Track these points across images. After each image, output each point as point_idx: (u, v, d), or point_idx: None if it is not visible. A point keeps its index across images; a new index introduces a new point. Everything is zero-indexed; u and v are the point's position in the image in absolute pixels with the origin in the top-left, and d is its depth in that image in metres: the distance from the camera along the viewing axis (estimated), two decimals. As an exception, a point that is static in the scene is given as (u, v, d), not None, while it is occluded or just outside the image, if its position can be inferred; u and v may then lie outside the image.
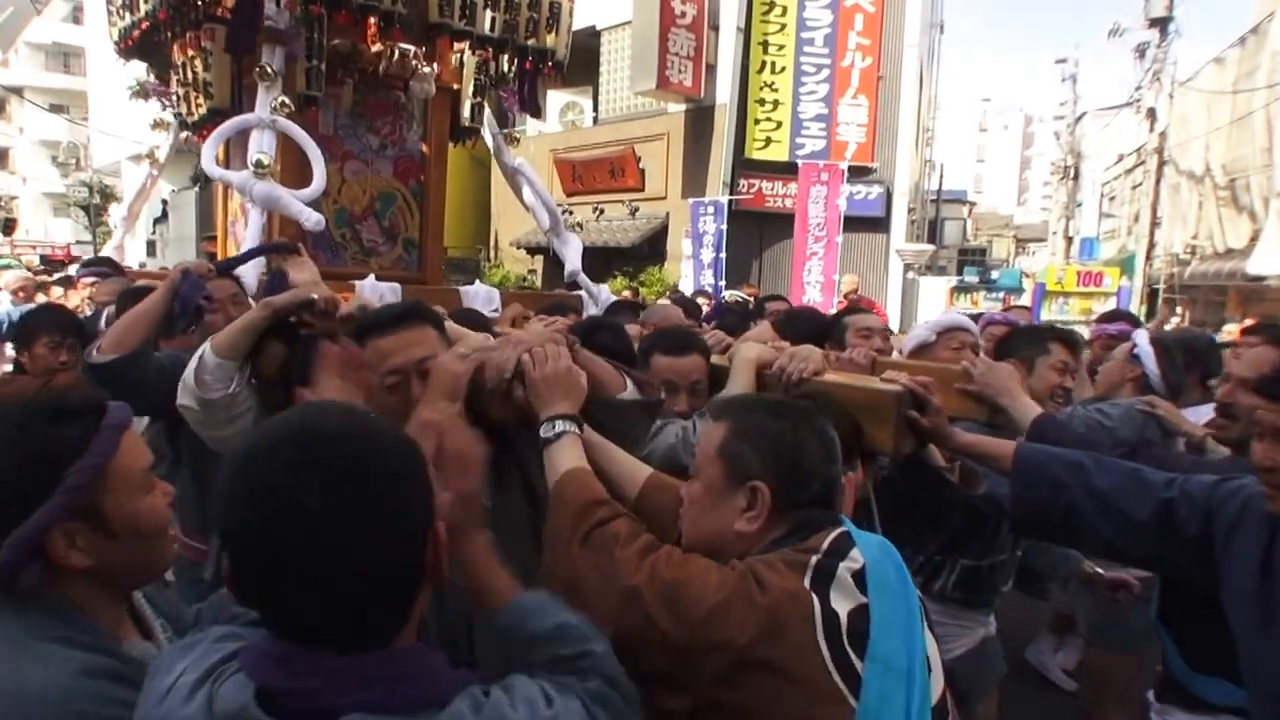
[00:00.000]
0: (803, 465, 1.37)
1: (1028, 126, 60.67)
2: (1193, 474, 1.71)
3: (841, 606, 1.23)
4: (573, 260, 5.13)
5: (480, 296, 4.48)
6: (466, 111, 4.70)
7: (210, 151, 3.83)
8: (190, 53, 4.33)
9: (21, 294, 6.16)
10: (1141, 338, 3.22)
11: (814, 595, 1.22)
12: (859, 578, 1.27)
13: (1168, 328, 11.53)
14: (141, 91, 5.28)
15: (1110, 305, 12.12)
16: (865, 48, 14.02)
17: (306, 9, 3.76)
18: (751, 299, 9.35)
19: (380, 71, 4.33)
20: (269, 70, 3.80)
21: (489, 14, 4.27)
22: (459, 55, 4.57)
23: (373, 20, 3.99)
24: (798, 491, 1.36)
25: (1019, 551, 2.59)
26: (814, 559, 1.27)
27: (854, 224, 13.68)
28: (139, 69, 5.22)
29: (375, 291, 4.01)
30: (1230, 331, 10.16)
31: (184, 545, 2.43)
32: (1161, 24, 18.08)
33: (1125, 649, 3.18)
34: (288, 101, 3.84)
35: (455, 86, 4.67)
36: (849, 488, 1.63)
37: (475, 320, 2.58)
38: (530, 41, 4.55)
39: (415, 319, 1.78)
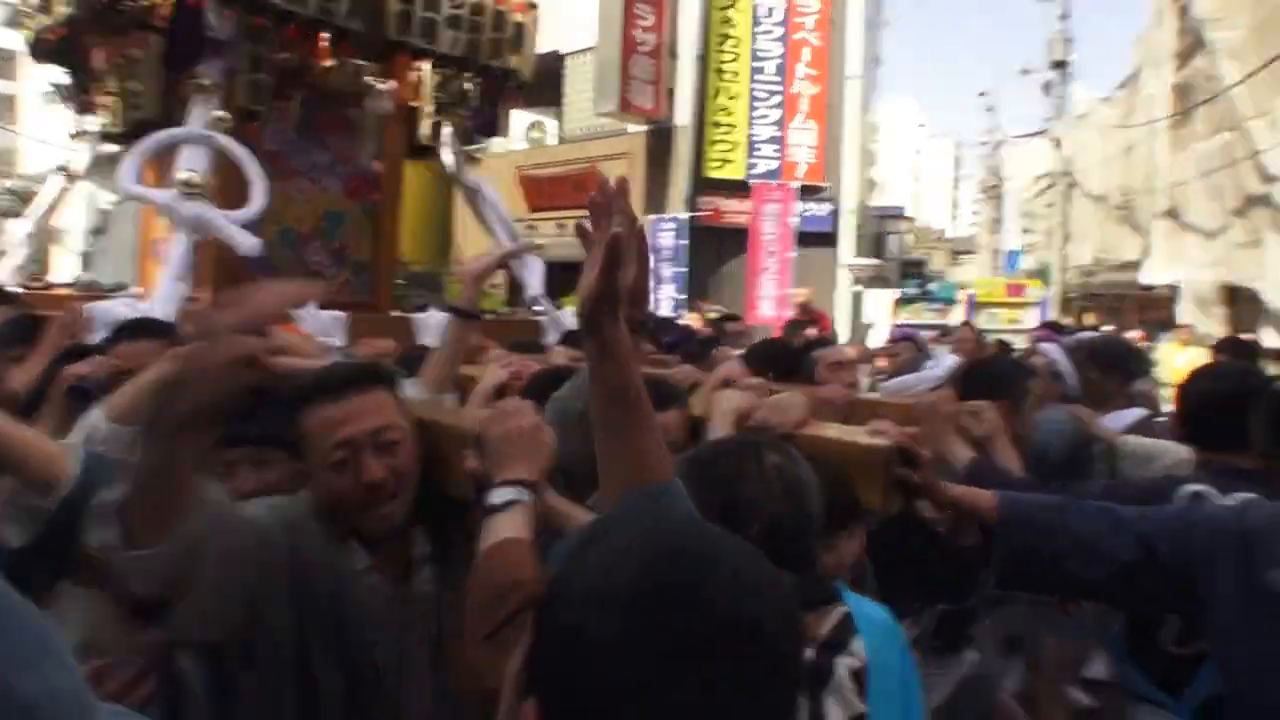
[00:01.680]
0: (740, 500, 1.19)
1: (957, 150, 64.13)
2: (1122, 498, 1.70)
3: (837, 715, 1.08)
4: (534, 285, 4.87)
5: (433, 325, 4.13)
6: (425, 130, 4.39)
7: (131, 167, 3.43)
8: (115, 60, 3.93)
9: None
10: (1057, 354, 3.19)
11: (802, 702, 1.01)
12: (859, 678, 1.12)
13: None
14: (59, 95, 4.78)
15: (1034, 314, 13.02)
16: (813, 77, 14.54)
17: (249, 20, 3.42)
18: (705, 317, 9.18)
19: (332, 87, 4.00)
20: (205, 82, 3.46)
21: (451, 33, 3.98)
22: (418, 73, 4.27)
23: (324, 35, 3.66)
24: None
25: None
26: (807, 653, 1.07)
27: (805, 239, 14.08)
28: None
29: (318, 322, 3.65)
30: (1132, 338, 10.84)
31: None
32: (1061, 66, 19.53)
33: (1075, 637, 3.12)
34: (226, 116, 3.49)
35: (413, 104, 4.37)
36: (848, 549, 1.58)
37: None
38: (493, 62, 4.28)
39: (368, 381, 1.45)
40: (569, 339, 3.34)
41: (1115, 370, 3.31)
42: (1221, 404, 2.05)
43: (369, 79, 4.03)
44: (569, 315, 4.85)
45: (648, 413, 1.07)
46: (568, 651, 0.63)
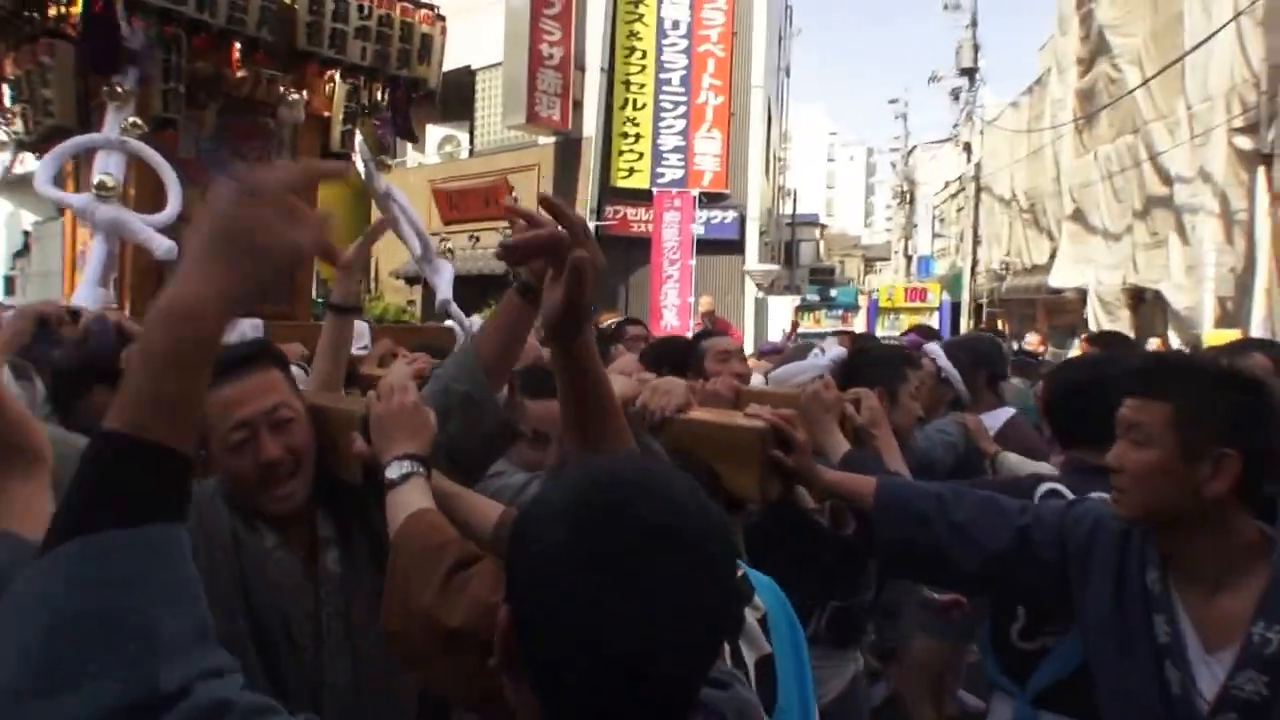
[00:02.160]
0: None
1: (870, 157, 65.12)
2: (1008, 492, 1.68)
3: (750, 656, 1.15)
4: (444, 290, 4.93)
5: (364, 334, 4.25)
6: (336, 138, 4.50)
7: (47, 171, 3.47)
8: (27, 67, 3.91)
9: None
10: (943, 360, 3.19)
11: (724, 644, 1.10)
12: (763, 624, 1.20)
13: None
14: None
15: (934, 319, 13.19)
16: (717, 87, 14.87)
17: (160, 30, 3.50)
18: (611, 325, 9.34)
19: (246, 96, 4.09)
20: (119, 89, 3.50)
21: (360, 43, 4.12)
22: (330, 83, 4.39)
23: (236, 45, 3.76)
24: None
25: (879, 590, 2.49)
26: None
27: (710, 246, 14.37)
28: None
29: (237, 331, 3.72)
30: (1031, 341, 11.03)
31: None
32: (970, 73, 20.01)
33: (944, 638, 3.26)
34: (140, 122, 3.55)
35: (326, 114, 4.48)
36: None
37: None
38: (402, 71, 4.42)
39: (261, 362, 1.46)
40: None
41: (981, 368, 3.30)
42: (1075, 396, 1.99)
43: (282, 88, 4.14)
44: (478, 322, 4.99)
45: (616, 409, 1.19)
46: (523, 564, 0.72)
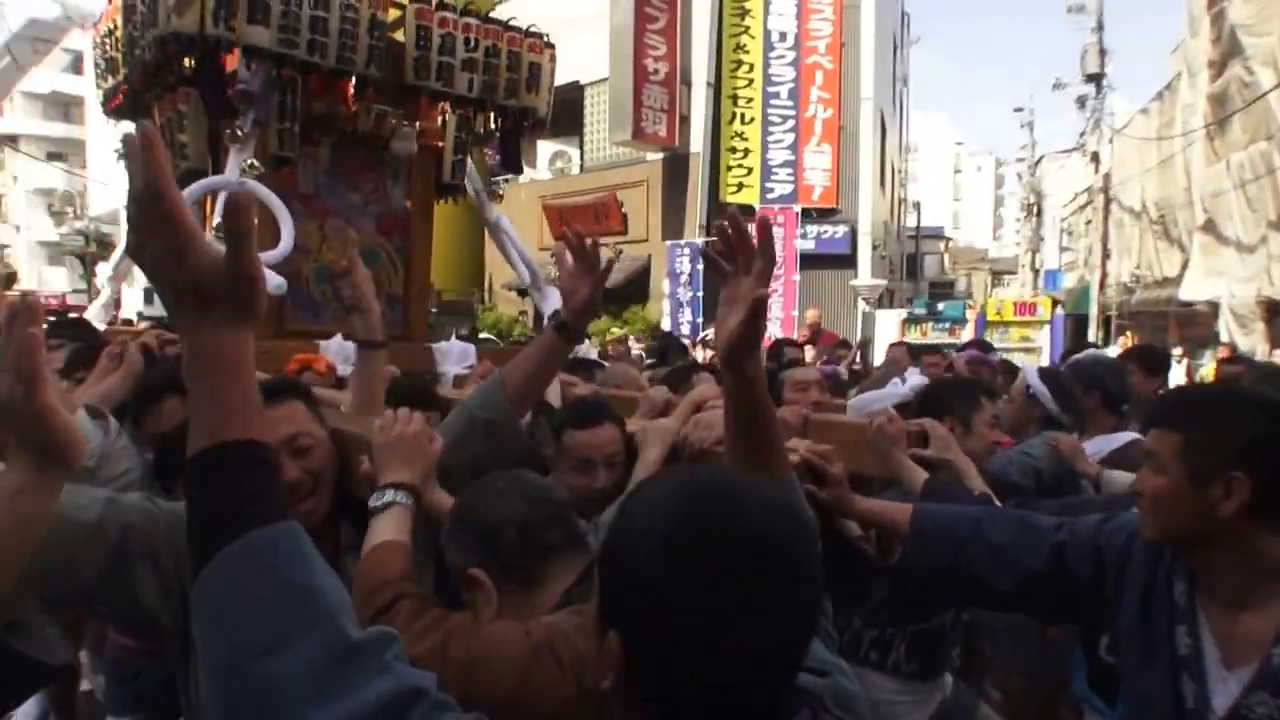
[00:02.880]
0: (494, 521, 1.29)
1: (998, 168, 61.77)
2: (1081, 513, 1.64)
3: None
4: (549, 313, 4.87)
5: (454, 354, 4.17)
6: (448, 170, 4.44)
7: None
8: (168, 115, 4.03)
9: None
10: (1032, 376, 3.07)
11: None
12: None
13: (1115, 350, 11.51)
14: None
15: (1044, 333, 12.76)
16: (826, 100, 14.44)
17: (277, 73, 3.51)
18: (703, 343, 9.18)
19: (360, 131, 4.08)
20: (239, 132, 3.55)
21: (466, 75, 4.03)
22: (440, 115, 4.33)
23: (347, 84, 3.74)
24: (517, 546, 1.27)
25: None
26: None
27: (822, 261, 14.02)
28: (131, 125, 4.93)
29: (341, 351, 3.70)
30: (1178, 354, 10.32)
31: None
32: (1096, 79, 18.80)
33: (1043, 678, 3.04)
34: (256, 164, 3.58)
35: (439, 144, 4.43)
36: None
37: (418, 385, 2.49)
38: (510, 101, 4.31)
39: (284, 395, 1.59)
40: (575, 367, 3.35)
41: (1094, 389, 3.13)
42: None
43: (394, 122, 4.10)
44: (585, 344, 4.90)
45: (776, 429, 1.27)
46: (632, 587, 0.74)
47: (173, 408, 2.02)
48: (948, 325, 13.27)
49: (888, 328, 13.31)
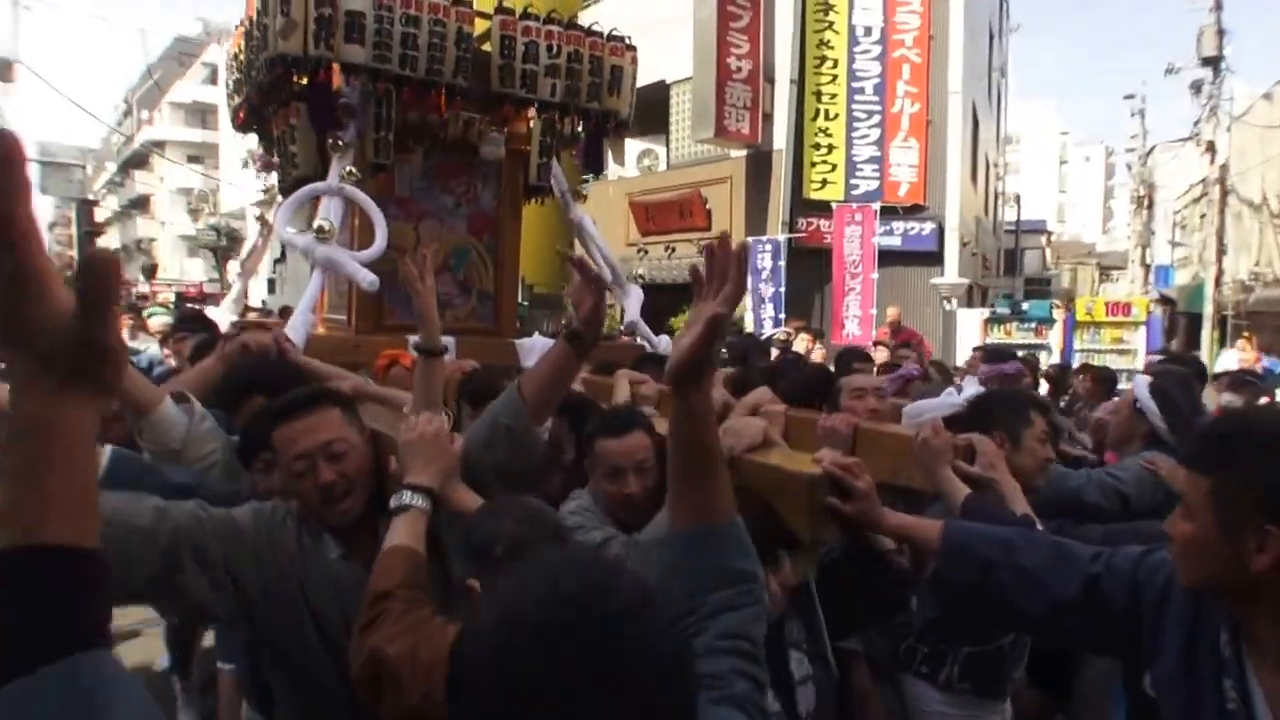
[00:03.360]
0: (486, 539, 1.37)
1: (1109, 158, 57.50)
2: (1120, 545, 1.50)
3: None
4: (632, 310, 4.92)
5: (536, 348, 4.26)
6: (533, 172, 4.53)
7: (284, 217, 3.81)
8: (282, 128, 4.35)
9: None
10: (1141, 389, 2.81)
11: None
12: None
13: (1237, 358, 10.52)
14: (253, 161, 5.34)
15: (1140, 334, 11.71)
16: (913, 94, 13.84)
17: (371, 86, 3.67)
18: (792, 335, 8.98)
19: (451, 137, 4.21)
20: (339, 142, 3.74)
21: (550, 81, 4.09)
22: (527, 120, 4.42)
23: (436, 94, 3.87)
24: (505, 563, 1.32)
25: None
26: None
27: (908, 258, 13.50)
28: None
29: None
30: (1246, 358, 9.41)
31: None
32: (1213, 63, 17.15)
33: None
34: (354, 170, 3.76)
35: (527, 148, 4.52)
36: (772, 587, 1.60)
37: (489, 380, 2.54)
38: (592, 104, 4.35)
39: (320, 403, 1.67)
40: (644, 363, 3.37)
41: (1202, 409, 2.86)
42: None
43: (482, 128, 4.21)
44: (666, 341, 4.92)
45: (718, 467, 1.12)
46: (465, 696, 0.70)
47: (252, 408, 2.12)
48: (1033, 325, 12.40)
49: (969, 328, 12.67)
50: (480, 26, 4.06)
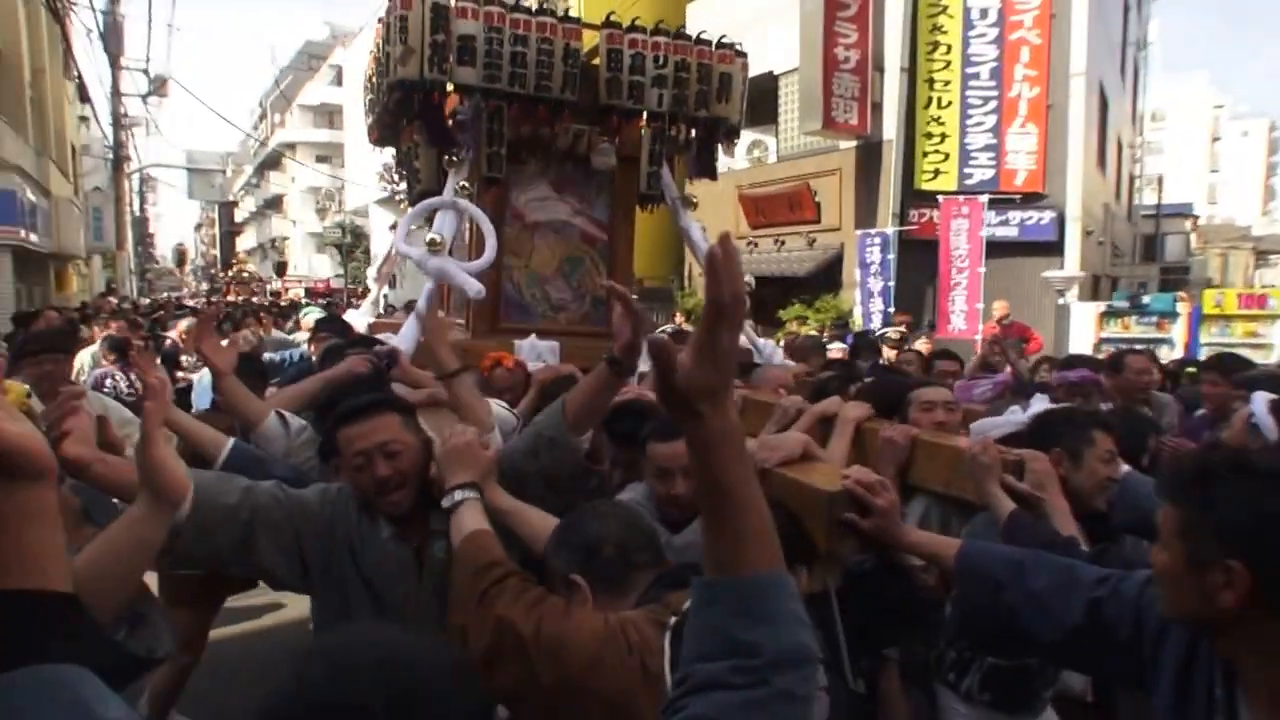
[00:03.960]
0: (595, 539, 1.45)
1: (1271, 132, 52.45)
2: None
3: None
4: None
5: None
6: (643, 180, 4.51)
7: (403, 230, 3.96)
8: (407, 145, 4.52)
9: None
10: (1259, 404, 2.65)
11: (669, 649, 1.23)
12: None
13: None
14: (386, 176, 5.57)
15: (1276, 330, 10.44)
16: (1032, 78, 13.01)
17: (483, 103, 3.74)
18: (905, 329, 8.64)
19: (562, 149, 4.24)
20: (455, 158, 3.84)
21: (656, 91, 4.04)
22: (638, 130, 4.40)
23: (546, 109, 3.89)
24: (613, 561, 1.43)
25: None
26: (673, 620, 1.26)
27: (1024, 249, 12.79)
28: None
29: (534, 351, 3.93)
30: None
31: None
32: None
33: None
34: (466, 185, 3.85)
35: (635, 157, 4.50)
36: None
37: (566, 387, 2.63)
38: (701, 112, 4.27)
39: (379, 409, 1.87)
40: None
41: None
42: None
43: (593, 139, 4.21)
44: (770, 346, 4.82)
45: (738, 509, 0.88)
46: None
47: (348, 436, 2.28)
48: (1154, 319, 11.28)
49: (1083, 322, 11.72)
50: (590, 40, 4.06)
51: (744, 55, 4.45)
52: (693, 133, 4.49)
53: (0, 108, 12.43)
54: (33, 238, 13.67)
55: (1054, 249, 12.96)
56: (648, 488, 2.18)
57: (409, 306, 5.49)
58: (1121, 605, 1.34)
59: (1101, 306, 11.74)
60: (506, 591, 1.41)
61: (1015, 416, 2.34)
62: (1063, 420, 2.25)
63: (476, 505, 1.69)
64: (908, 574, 1.80)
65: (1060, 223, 12.98)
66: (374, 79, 4.54)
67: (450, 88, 3.71)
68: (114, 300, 15.98)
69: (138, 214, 34.91)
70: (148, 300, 22.15)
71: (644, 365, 4.04)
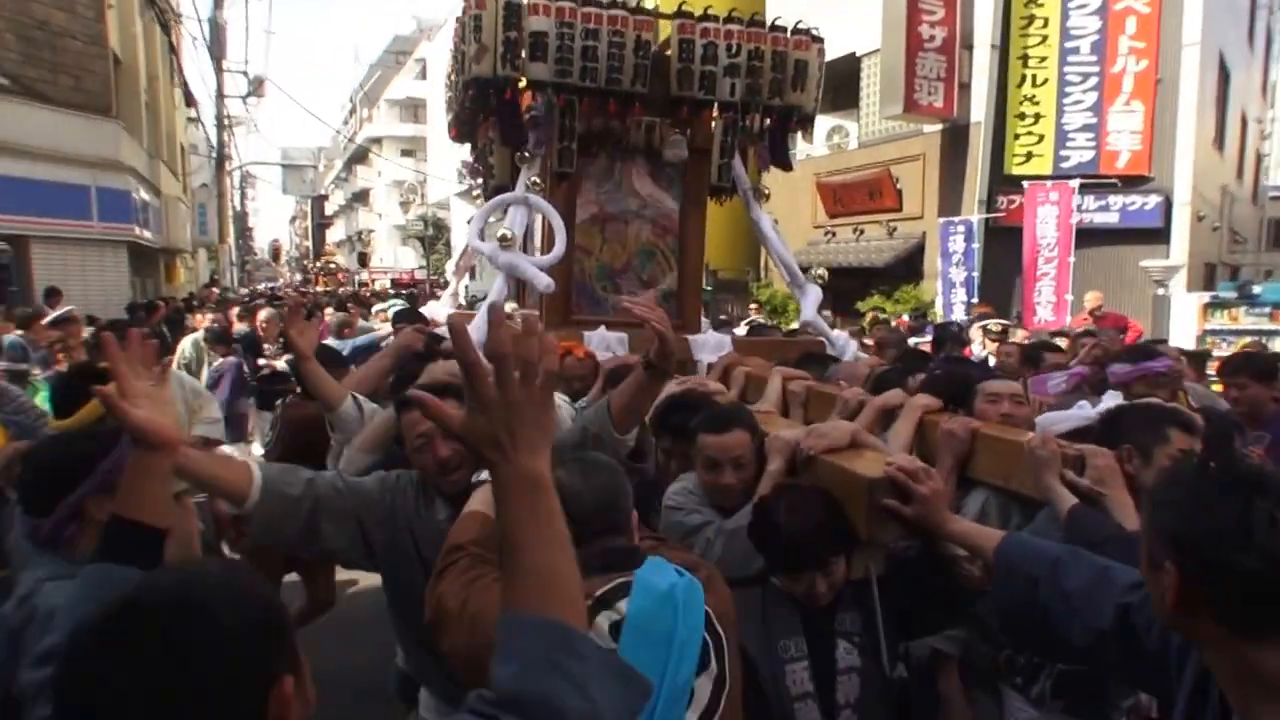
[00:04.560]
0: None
1: None
2: None
3: None
4: (808, 310, 4.77)
5: (710, 344, 4.27)
6: (714, 172, 4.47)
7: (476, 225, 4.05)
8: (483, 141, 4.64)
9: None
10: None
11: None
12: (615, 629, 1.39)
13: None
14: (462, 170, 5.77)
15: None
16: (1140, 50, 12.15)
17: (554, 99, 3.78)
18: (1010, 325, 8.31)
19: (633, 143, 4.25)
20: (527, 154, 3.91)
21: (729, 80, 3.99)
22: (711, 121, 4.36)
23: (616, 102, 3.90)
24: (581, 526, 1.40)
25: None
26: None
27: (1127, 236, 12.05)
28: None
29: (603, 342, 3.98)
30: None
31: None
32: None
33: None
34: (538, 180, 3.91)
35: (707, 149, 4.47)
36: (838, 568, 1.76)
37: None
38: (774, 100, 4.20)
39: (441, 395, 1.91)
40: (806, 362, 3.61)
41: None
42: None
43: (664, 131, 4.21)
44: (843, 338, 4.74)
45: (510, 554, 0.91)
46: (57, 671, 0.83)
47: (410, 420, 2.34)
48: (1267, 309, 10.37)
49: (1185, 314, 10.86)
50: (665, 30, 4.05)
51: (820, 40, 4.35)
52: (766, 122, 4.42)
53: (120, 114, 13.29)
54: (146, 234, 14.64)
55: (1159, 236, 12.18)
56: (698, 477, 2.26)
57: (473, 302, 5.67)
58: (1149, 613, 1.29)
59: (1205, 297, 10.94)
60: (452, 570, 1.54)
61: (1084, 411, 2.28)
62: (1135, 416, 2.17)
63: (488, 489, 1.70)
64: (951, 563, 1.79)
65: (1167, 208, 12.17)
66: (452, 76, 4.66)
67: (523, 84, 3.77)
68: (216, 291, 16.98)
69: (238, 209, 36.89)
70: (246, 290, 23.44)
71: (710, 357, 4.11)
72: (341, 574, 4.13)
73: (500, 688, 0.84)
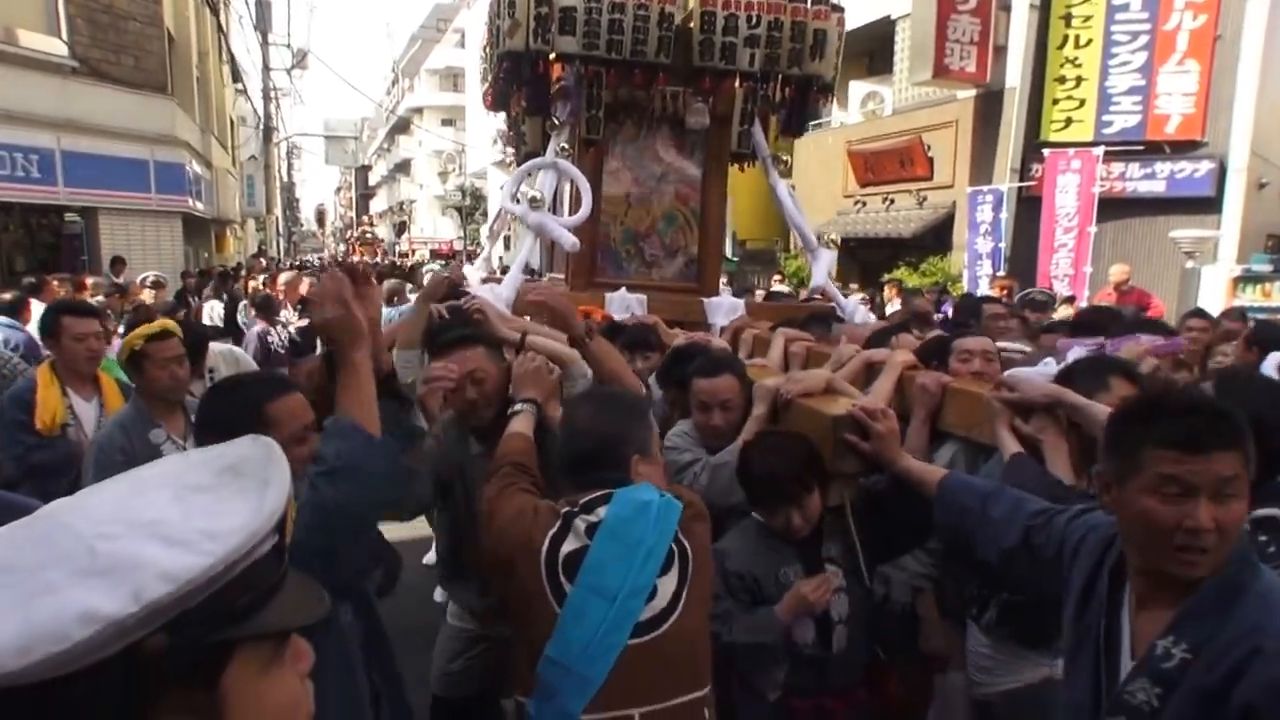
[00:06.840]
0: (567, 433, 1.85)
1: None
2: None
3: (567, 547, 1.63)
4: (818, 275, 4.98)
5: (723, 307, 4.51)
6: (733, 139, 4.70)
7: (509, 189, 4.34)
8: (516, 110, 4.92)
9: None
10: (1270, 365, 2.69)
11: (548, 538, 1.64)
12: (592, 529, 1.62)
13: None
14: (498, 137, 6.07)
15: None
16: (1197, 5, 11.52)
17: (582, 69, 4.05)
18: (1006, 293, 8.16)
19: (657, 111, 4.49)
20: (556, 121, 4.20)
21: (748, 50, 4.19)
22: (731, 89, 4.57)
23: (641, 72, 4.14)
24: (568, 456, 1.80)
25: None
26: (564, 510, 1.67)
27: (1176, 205, 11.53)
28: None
29: (623, 303, 4.25)
30: None
31: None
32: None
33: None
34: (566, 146, 4.19)
35: (730, 116, 4.69)
36: (813, 503, 2.04)
37: (641, 333, 3.27)
38: (793, 70, 4.39)
39: (467, 342, 2.32)
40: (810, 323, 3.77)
41: None
42: None
43: (687, 99, 4.44)
44: (853, 303, 4.94)
45: (342, 394, 1.57)
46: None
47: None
48: None
49: (1213, 288, 10.53)
50: (689, 2, 4.26)
51: (840, 10, 4.51)
52: (786, 91, 4.61)
53: (174, 90, 13.86)
54: (198, 205, 15.27)
55: (1209, 205, 11.68)
56: (692, 420, 2.52)
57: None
58: (1050, 532, 1.61)
59: (1236, 270, 10.58)
60: (496, 477, 1.86)
61: (1048, 369, 2.44)
62: (1080, 367, 2.31)
63: (529, 416, 2.10)
64: (913, 491, 2.01)
65: (1220, 174, 11.62)
66: (487, 49, 4.94)
67: (553, 56, 4.03)
68: (263, 260, 17.62)
69: (285, 180, 37.68)
70: (292, 261, 24.16)
71: (723, 320, 4.35)
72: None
73: (324, 459, 1.47)
